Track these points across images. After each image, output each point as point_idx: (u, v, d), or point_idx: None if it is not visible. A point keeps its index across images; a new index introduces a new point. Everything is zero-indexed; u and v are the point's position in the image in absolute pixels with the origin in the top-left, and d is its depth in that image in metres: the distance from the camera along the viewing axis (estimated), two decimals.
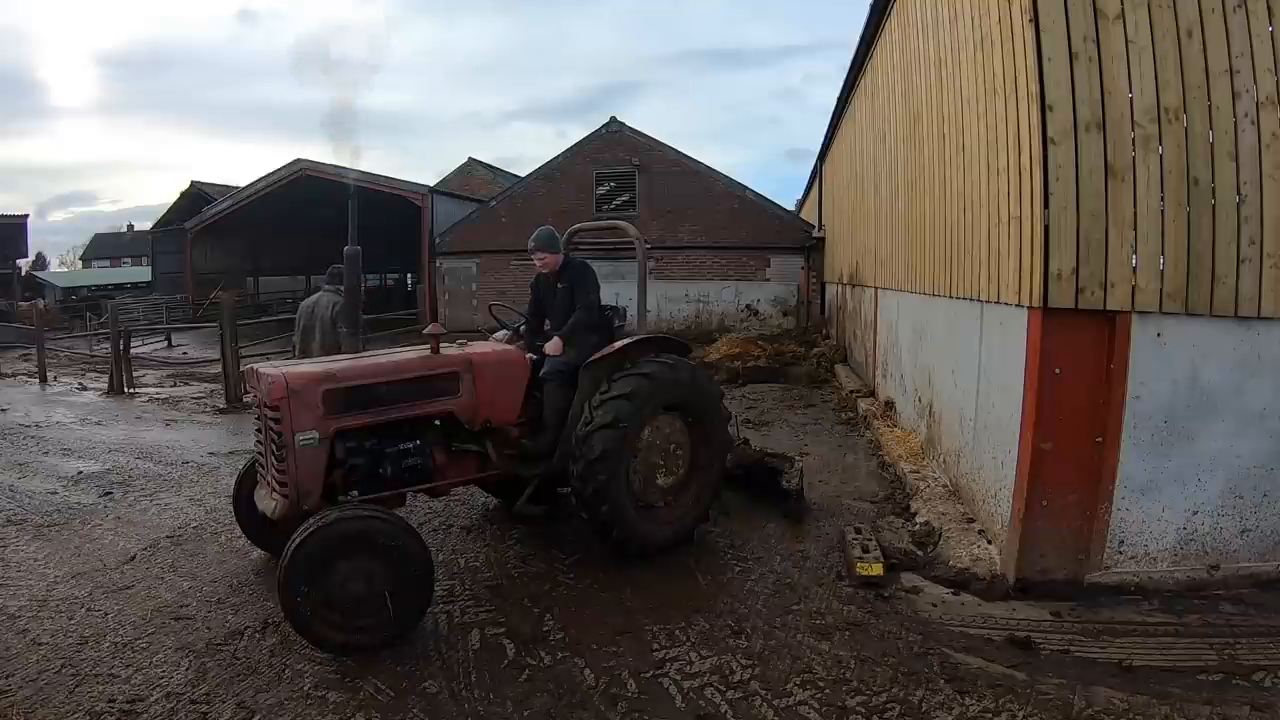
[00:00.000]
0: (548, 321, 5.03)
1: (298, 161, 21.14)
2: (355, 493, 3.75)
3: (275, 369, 3.91)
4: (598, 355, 4.53)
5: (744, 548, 4.73)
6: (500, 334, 4.97)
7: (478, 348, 4.57)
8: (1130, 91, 3.81)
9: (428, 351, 4.30)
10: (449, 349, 4.44)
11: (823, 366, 11.94)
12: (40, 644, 3.60)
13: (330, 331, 6.36)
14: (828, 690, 3.18)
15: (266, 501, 3.94)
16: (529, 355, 4.65)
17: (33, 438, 8.14)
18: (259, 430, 4.08)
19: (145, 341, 17.47)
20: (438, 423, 4.25)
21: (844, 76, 11.23)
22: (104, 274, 43.16)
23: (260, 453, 4.11)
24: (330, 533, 3.37)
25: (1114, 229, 3.81)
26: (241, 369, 8.48)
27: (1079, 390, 3.90)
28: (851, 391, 9.82)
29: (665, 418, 4.56)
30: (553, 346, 4.59)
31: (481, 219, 19.68)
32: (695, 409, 4.69)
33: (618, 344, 4.63)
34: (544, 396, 4.57)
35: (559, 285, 4.87)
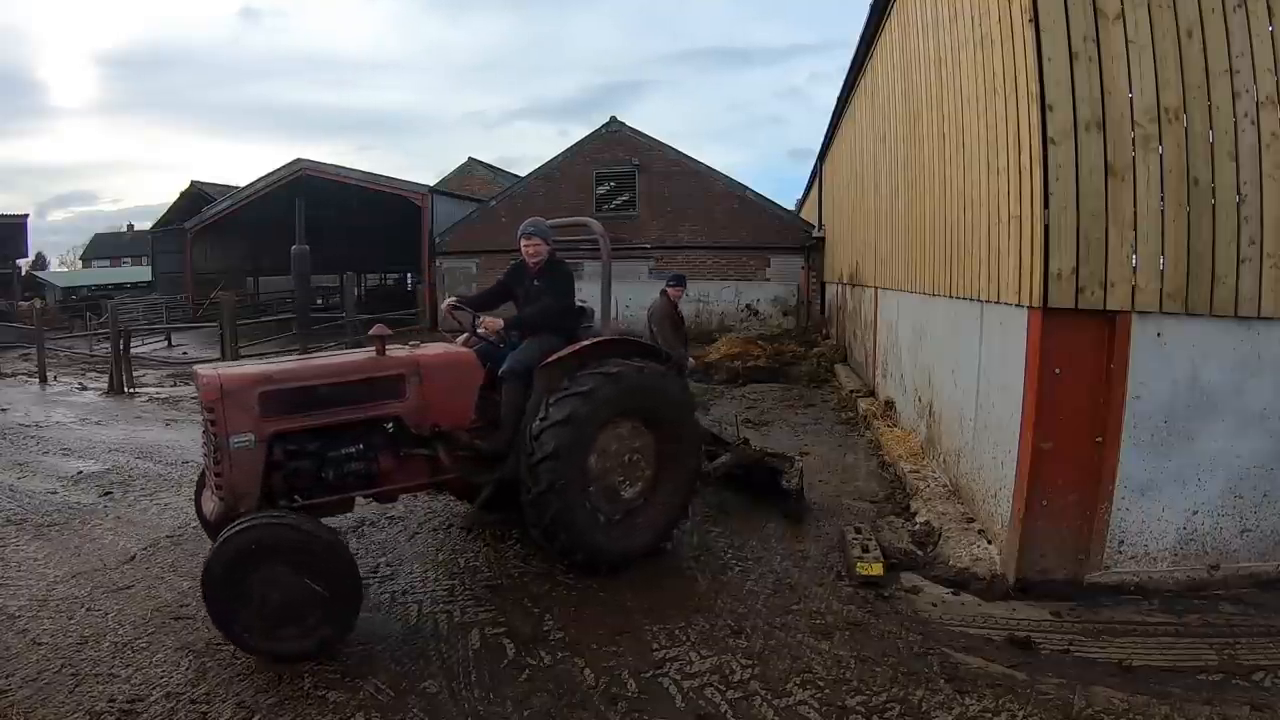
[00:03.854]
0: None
1: (297, 161, 21.15)
2: (298, 497, 3.71)
3: (213, 370, 3.83)
4: (554, 356, 4.31)
5: (744, 548, 4.73)
6: (463, 338, 4.75)
7: (428, 349, 4.39)
8: (1130, 91, 3.81)
9: (373, 353, 4.12)
10: (396, 351, 4.28)
11: (823, 366, 11.95)
12: (40, 644, 3.60)
13: (656, 333, 6.86)
14: (828, 690, 3.18)
15: (209, 504, 3.88)
16: (485, 338, 4.52)
17: (33, 438, 8.13)
18: (204, 432, 3.96)
19: (145, 341, 17.46)
20: (389, 426, 4.09)
21: (844, 76, 11.24)
22: (104, 274, 43.15)
23: (205, 454, 4.01)
24: (239, 541, 3.29)
25: (1114, 229, 3.81)
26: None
27: (1079, 390, 3.90)
28: (851, 391, 9.82)
29: (629, 424, 4.37)
30: (490, 322, 4.44)
31: (481, 219, 19.68)
32: (663, 417, 4.46)
33: (576, 345, 4.39)
34: (502, 398, 4.36)
35: (535, 283, 4.67)
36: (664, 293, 7.40)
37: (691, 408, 4.76)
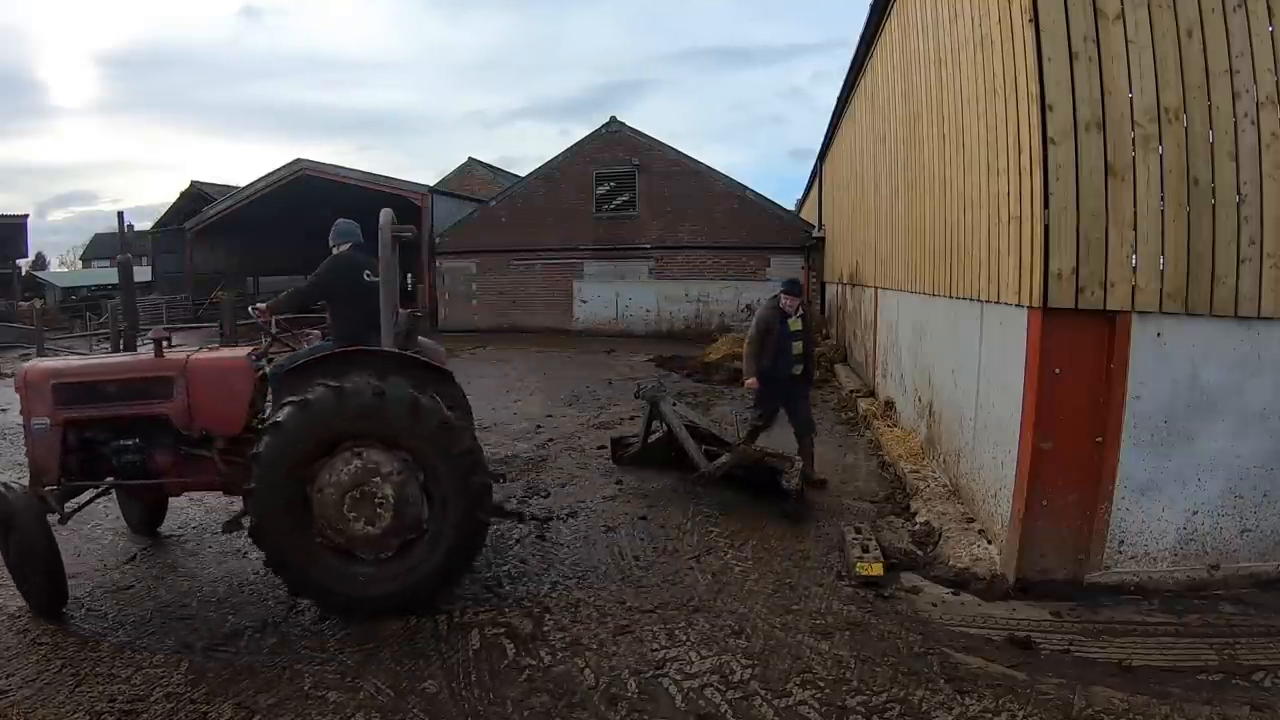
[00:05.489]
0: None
1: (297, 161, 21.16)
2: (114, 478, 4.20)
3: (28, 364, 4.39)
4: (292, 366, 4.05)
5: (744, 548, 4.73)
6: (266, 342, 4.58)
7: (210, 353, 4.51)
8: (1130, 91, 3.81)
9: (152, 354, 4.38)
10: (176, 353, 4.44)
11: (822, 366, 11.94)
12: (40, 644, 3.61)
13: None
14: (828, 690, 3.18)
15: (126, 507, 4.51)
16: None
17: None
18: None
19: (145, 341, 17.42)
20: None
21: (844, 76, 11.25)
22: (104, 274, 43.02)
23: None
24: None
25: (1114, 229, 3.81)
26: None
27: (1079, 390, 3.90)
28: (851, 391, 9.83)
29: (373, 453, 3.74)
30: (259, 308, 4.48)
31: (481, 219, 19.70)
32: (409, 448, 3.77)
33: (316, 355, 4.03)
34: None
35: None
36: (775, 298, 6.24)
37: (453, 438, 3.81)
